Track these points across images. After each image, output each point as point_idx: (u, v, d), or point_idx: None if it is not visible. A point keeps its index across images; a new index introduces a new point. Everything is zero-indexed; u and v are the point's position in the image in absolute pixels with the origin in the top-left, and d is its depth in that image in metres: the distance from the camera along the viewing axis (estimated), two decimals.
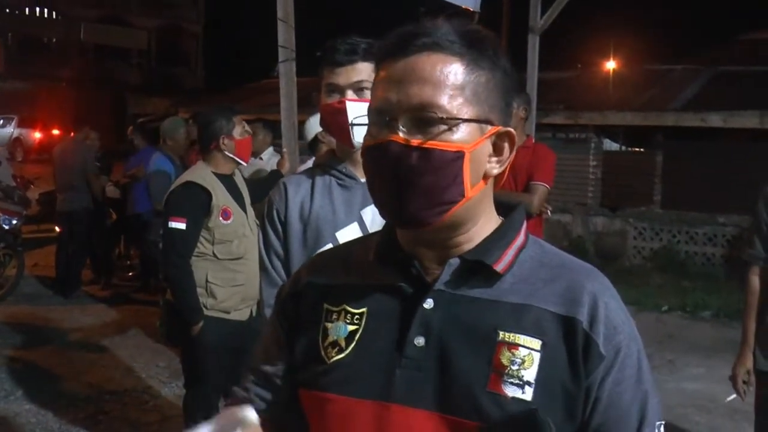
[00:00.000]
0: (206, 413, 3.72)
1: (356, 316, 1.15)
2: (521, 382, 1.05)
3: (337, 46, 2.07)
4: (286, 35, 3.93)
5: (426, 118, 1.05)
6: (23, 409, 4.97)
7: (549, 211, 4.60)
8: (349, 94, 2.05)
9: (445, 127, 1.05)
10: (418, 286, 1.12)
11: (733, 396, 3.09)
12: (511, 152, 1.12)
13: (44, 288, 8.44)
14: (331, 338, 1.16)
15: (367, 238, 1.29)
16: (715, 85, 11.59)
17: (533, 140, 4.62)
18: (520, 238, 1.16)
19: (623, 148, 12.24)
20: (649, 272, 10.12)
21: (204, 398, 3.73)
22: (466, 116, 1.06)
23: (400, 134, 1.05)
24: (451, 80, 1.06)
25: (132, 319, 7.25)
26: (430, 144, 1.04)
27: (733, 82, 11.30)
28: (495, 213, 1.17)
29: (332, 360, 1.14)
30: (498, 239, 1.13)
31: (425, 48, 1.07)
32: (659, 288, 9.12)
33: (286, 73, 4.00)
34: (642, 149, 12.05)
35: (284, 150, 4.38)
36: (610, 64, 17.68)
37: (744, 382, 3.13)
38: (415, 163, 1.04)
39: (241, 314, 3.73)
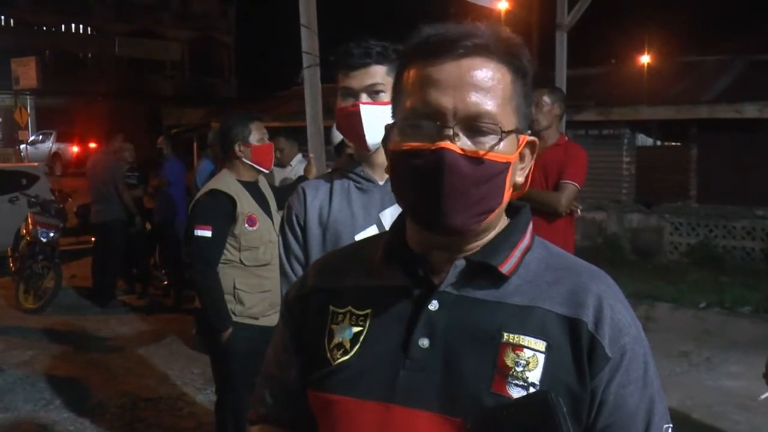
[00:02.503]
0: (237, 419, 3.75)
1: (361, 318, 1.16)
2: (526, 384, 1.04)
3: (351, 49, 2.07)
4: (309, 41, 3.93)
5: (482, 129, 1.05)
6: (61, 417, 5.06)
7: (579, 210, 4.51)
8: (363, 97, 2.04)
9: (497, 138, 1.05)
10: (425, 287, 1.12)
11: (767, 394, 3.01)
12: (532, 159, 1.15)
13: (82, 299, 8.59)
14: (336, 340, 1.16)
15: (377, 238, 1.29)
16: (749, 75, 11.37)
17: (566, 138, 4.54)
18: (526, 240, 1.16)
19: (657, 142, 12.07)
20: (686, 268, 9.96)
21: (234, 404, 3.75)
22: (511, 128, 1.07)
23: (457, 143, 1.04)
24: (504, 91, 1.07)
25: (167, 327, 7.34)
26: (485, 155, 1.05)
27: None
28: (505, 217, 1.18)
29: (337, 362, 1.14)
30: (503, 241, 1.13)
31: (475, 51, 1.06)
32: (697, 284, 8.95)
33: (311, 79, 4.00)
34: (676, 143, 11.86)
35: (311, 156, 4.38)
36: (644, 59, 17.47)
37: None
38: (468, 172, 1.04)
39: (270, 320, 3.74)
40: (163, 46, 36.96)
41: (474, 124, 1.05)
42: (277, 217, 3.86)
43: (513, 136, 1.08)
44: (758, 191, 9.91)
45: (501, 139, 1.05)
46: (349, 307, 1.17)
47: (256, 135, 3.72)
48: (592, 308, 1.08)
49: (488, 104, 1.05)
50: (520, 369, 1.05)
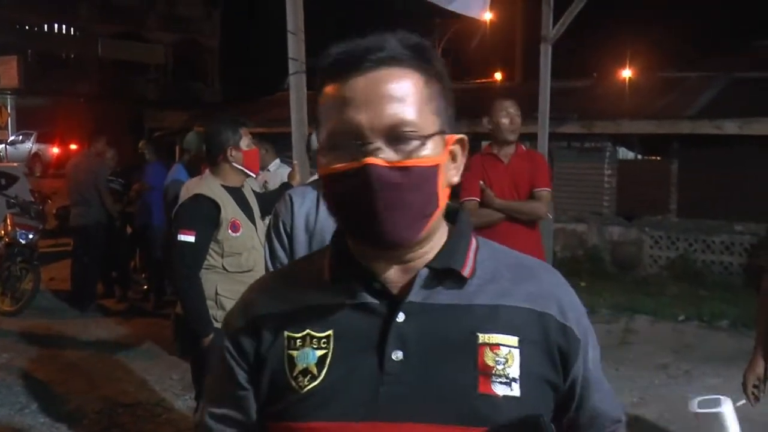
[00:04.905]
0: None
1: (323, 340, 1.11)
2: (508, 380, 1.07)
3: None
4: (296, 48, 3.95)
5: (402, 137, 1.04)
6: (38, 422, 5.00)
7: (549, 215, 4.74)
8: None
9: (418, 143, 1.04)
10: (384, 301, 1.11)
11: (743, 401, 3.04)
12: (463, 158, 1.14)
13: (60, 302, 8.51)
14: (300, 366, 1.11)
15: (312, 257, 1.27)
16: (730, 92, 11.49)
17: (524, 147, 4.67)
18: (474, 241, 1.18)
19: (638, 156, 12.16)
20: (665, 281, 10.03)
21: None
22: (433, 130, 1.06)
23: (380, 156, 1.03)
24: (418, 95, 1.06)
25: (146, 332, 7.28)
26: (411, 162, 1.04)
27: (748, 89, 11.19)
28: (445, 222, 1.18)
29: (306, 389, 1.09)
30: (456, 244, 1.14)
31: (382, 63, 1.05)
32: (676, 297, 9.02)
33: (297, 85, 4.02)
34: (657, 157, 11.97)
35: (294, 162, 4.38)
36: (626, 73, 17.63)
37: (755, 387, 3.08)
38: (398, 182, 1.03)
39: None
40: (146, 48, 36.73)
41: (393, 134, 1.03)
42: (261, 223, 3.86)
43: (438, 137, 1.07)
44: (737, 207, 10.02)
45: (423, 144, 1.05)
46: (308, 330, 1.12)
47: (245, 140, 3.74)
48: (554, 298, 1.14)
49: (403, 112, 1.04)
50: (501, 366, 1.08)
